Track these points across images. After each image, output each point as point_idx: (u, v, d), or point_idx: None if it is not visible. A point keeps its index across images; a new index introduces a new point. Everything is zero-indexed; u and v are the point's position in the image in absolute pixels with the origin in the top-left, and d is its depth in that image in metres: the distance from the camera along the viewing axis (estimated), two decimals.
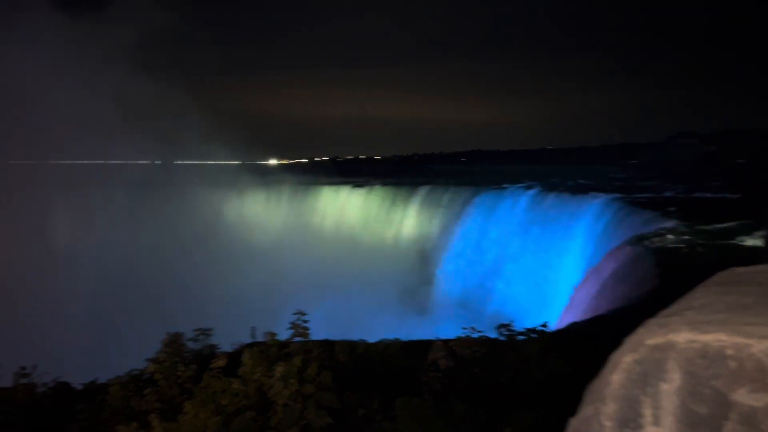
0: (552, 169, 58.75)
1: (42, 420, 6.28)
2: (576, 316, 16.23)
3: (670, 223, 21.58)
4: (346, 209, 51.28)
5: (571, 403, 1.34)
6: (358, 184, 52.91)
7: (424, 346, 8.34)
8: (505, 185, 38.45)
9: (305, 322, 6.02)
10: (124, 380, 5.94)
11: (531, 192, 33.44)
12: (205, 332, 8.20)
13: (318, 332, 7.17)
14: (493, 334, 7.26)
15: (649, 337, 1.21)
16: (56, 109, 37.50)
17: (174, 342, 6.71)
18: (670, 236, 19.95)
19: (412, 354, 7.92)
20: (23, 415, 6.13)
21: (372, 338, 9.09)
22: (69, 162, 44.54)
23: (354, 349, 7.90)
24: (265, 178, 54.95)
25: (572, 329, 10.62)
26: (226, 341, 8.70)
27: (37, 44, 37.07)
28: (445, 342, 6.68)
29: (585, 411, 1.25)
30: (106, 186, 41.80)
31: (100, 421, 5.60)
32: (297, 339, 5.97)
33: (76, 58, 38.44)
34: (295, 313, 6.09)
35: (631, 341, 1.23)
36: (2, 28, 36.09)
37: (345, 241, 46.54)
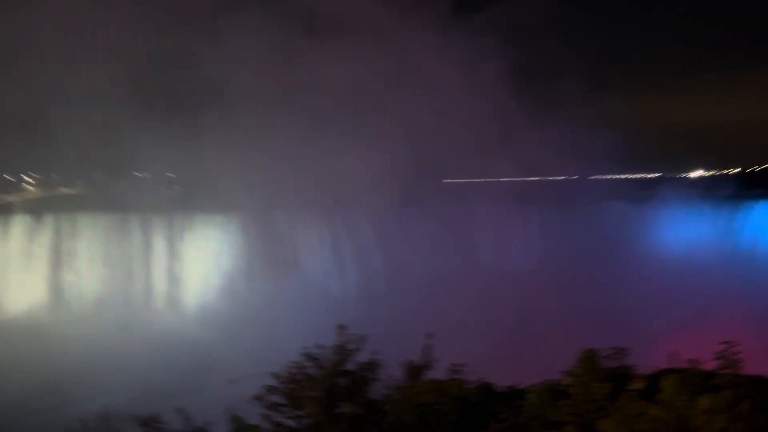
0: None
1: (467, 413, 7.02)
2: None
3: None
4: None
5: None
6: None
7: None
8: None
9: (736, 353, 5.40)
10: (540, 389, 6.24)
11: None
12: (622, 352, 8.03)
13: (750, 366, 6.34)
14: None
15: None
16: (473, 128, 40.91)
17: (589, 358, 6.75)
18: None
19: None
20: (453, 406, 6.97)
21: None
22: (493, 179, 48.46)
23: None
24: (687, 191, 50.89)
25: None
26: (638, 361, 8.34)
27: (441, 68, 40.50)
28: None
29: None
30: (526, 202, 44.22)
31: (518, 425, 5.99)
32: (724, 371, 5.39)
33: (480, 75, 41.02)
34: (723, 343, 5.51)
35: None
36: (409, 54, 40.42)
37: None
